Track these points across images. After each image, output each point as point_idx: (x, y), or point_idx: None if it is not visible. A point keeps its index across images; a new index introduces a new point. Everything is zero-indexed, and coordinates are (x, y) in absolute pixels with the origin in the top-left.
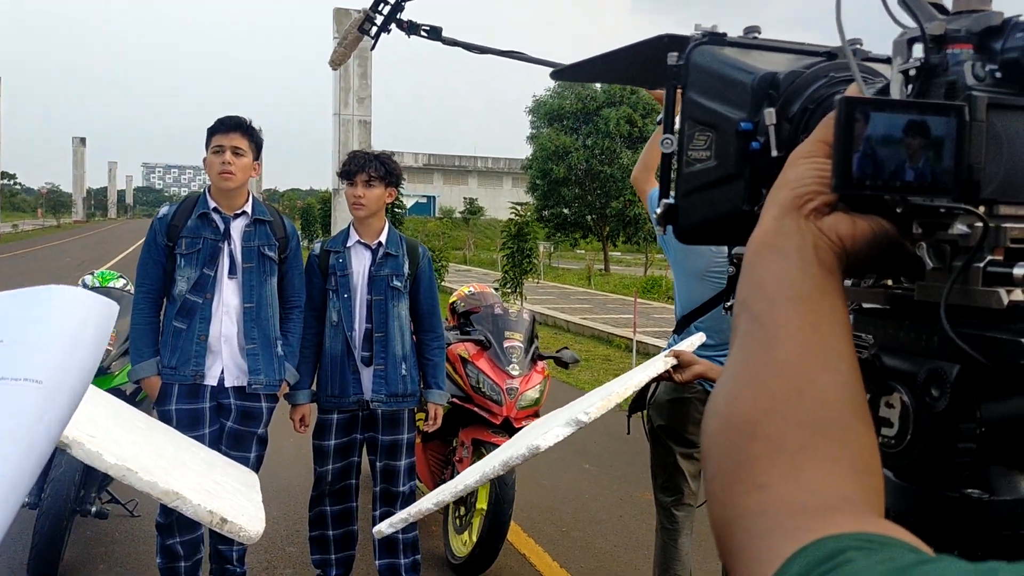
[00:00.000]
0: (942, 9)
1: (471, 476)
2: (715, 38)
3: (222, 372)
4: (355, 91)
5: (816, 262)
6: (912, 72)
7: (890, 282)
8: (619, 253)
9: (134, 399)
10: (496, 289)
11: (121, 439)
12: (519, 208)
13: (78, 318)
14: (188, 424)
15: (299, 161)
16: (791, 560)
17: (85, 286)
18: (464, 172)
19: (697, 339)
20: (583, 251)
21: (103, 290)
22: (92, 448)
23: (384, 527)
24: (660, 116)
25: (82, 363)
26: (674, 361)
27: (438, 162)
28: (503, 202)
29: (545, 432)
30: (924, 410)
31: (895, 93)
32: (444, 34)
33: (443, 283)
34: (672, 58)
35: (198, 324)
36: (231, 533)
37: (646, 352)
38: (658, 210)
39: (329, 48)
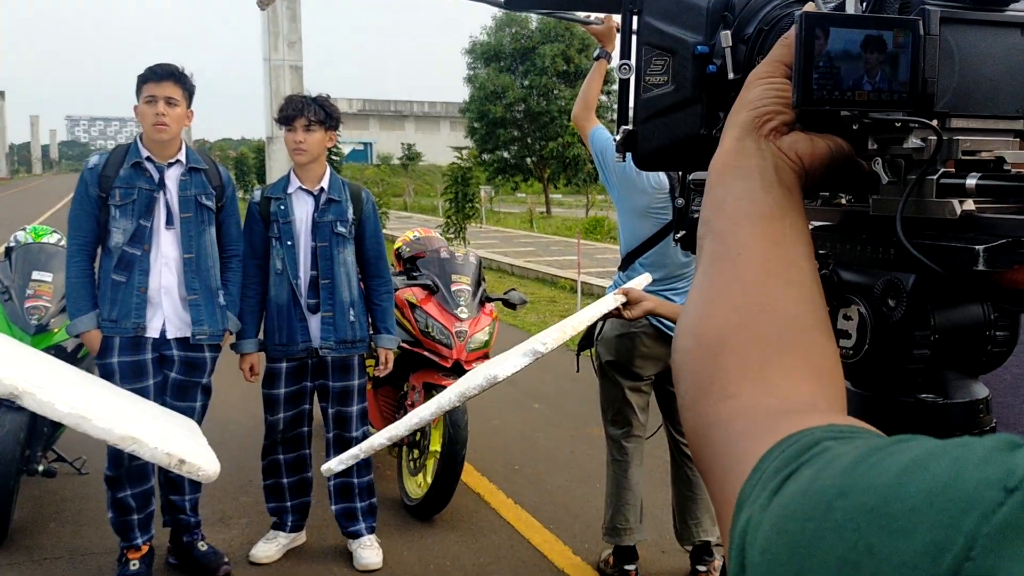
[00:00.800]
0: None
1: (426, 410)
2: None
3: (164, 324)
4: (285, 35)
5: (777, 181)
6: None
7: (844, 199)
8: (560, 196)
9: (75, 355)
10: (440, 234)
11: (68, 390)
12: (462, 153)
13: None
14: (131, 376)
15: (229, 110)
16: (766, 456)
17: (18, 242)
18: (401, 117)
19: (644, 279)
20: (524, 194)
21: (37, 245)
22: (43, 398)
23: (334, 464)
24: (596, 51)
25: None
26: (623, 299)
27: (374, 107)
28: (441, 147)
29: (503, 362)
30: (881, 320)
31: (850, 10)
32: None
33: (385, 230)
34: None
35: (137, 276)
36: (190, 473)
37: (591, 293)
38: (617, 137)
39: None
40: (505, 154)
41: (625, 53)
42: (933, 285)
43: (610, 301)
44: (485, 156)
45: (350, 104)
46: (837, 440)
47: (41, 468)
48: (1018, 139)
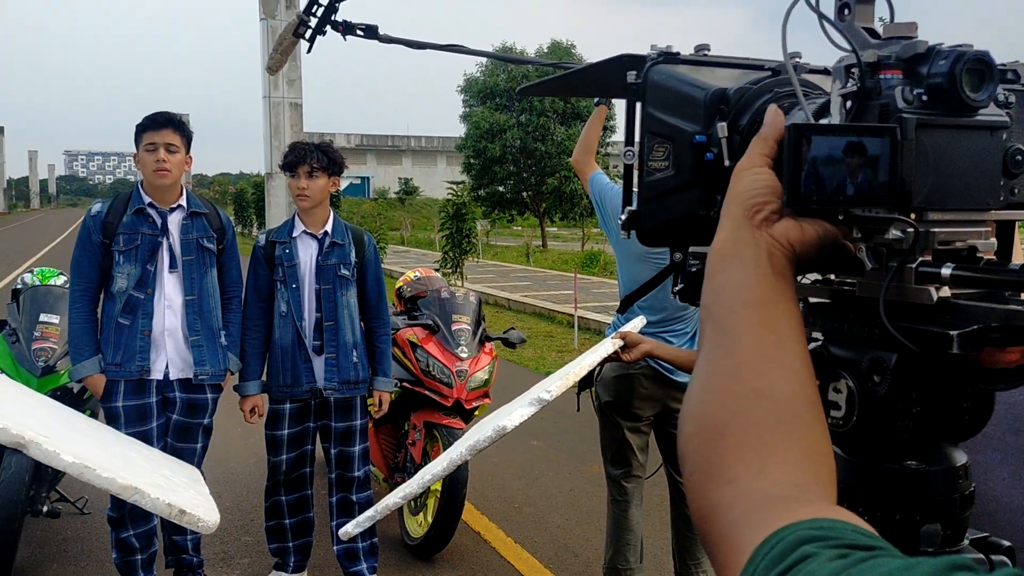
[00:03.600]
0: (874, 33)
1: (438, 465)
2: (669, 57)
3: (167, 366)
4: (284, 73)
5: (770, 268)
6: (850, 95)
7: (833, 277)
8: (556, 229)
9: (81, 397)
10: (436, 270)
11: (72, 438)
12: (455, 188)
13: None
14: (136, 419)
15: (228, 145)
16: (758, 550)
17: (25, 285)
18: (398, 152)
19: (639, 322)
20: (520, 227)
21: (44, 288)
22: (49, 448)
23: (351, 527)
24: (596, 97)
25: None
26: (621, 342)
27: (371, 142)
28: (438, 181)
29: (510, 413)
30: (867, 394)
31: (835, 114)
32: (381, 32)
33: (383, 265)
34: (631, 76)
35: (141, 319)
36: (190, 524)
37: (587, 327)
38: (622, 216)
39: (256, 30)
40: (501, 188)
41: (629, 140)
42: (914, 363)
43: (608, 345)
44: (481, 191)
45: (348, 139)
46: (817, 544)
47: (45, 509)
48: (990, 229)
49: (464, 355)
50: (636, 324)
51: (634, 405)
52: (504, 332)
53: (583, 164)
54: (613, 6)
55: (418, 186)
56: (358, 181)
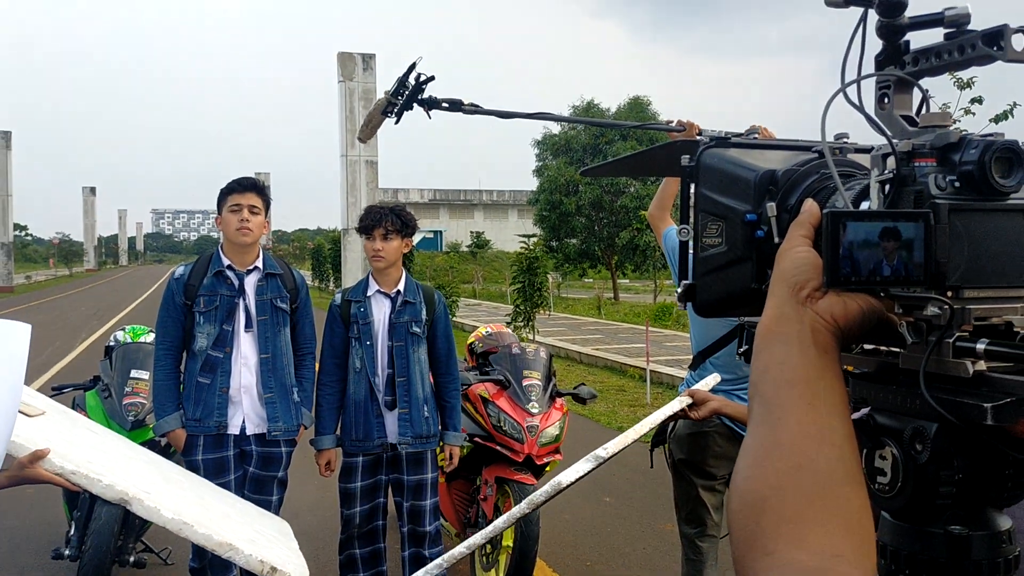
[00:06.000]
0: (911, 120)
1: (501, 521)
2: (720, 141)
3: (243, 421)
4: None
5: (813, 344)
6: (887, 181)
7: (882, 348)
8: (628, 281)
9: (167, 450)
10: (508, 323)
11: (170, 492)
12: (527, 241)
13: None
14: (214, 472)
15: (306, 201)
16: None
17: (118, 342)
18: (470, 206)
19: (712, 380)
20: (591, 279)
21: (135, 345)
22: (151, 504)
23: None
24: None
25: (5, 377)
26: (689, 400)
27: (444, 197)
28: (509, 234)
29: (567, 470)
30: (910, 461)
31: (874, 199)
32: (465, 104)
33: (454, 318)
34: (685, 160)
35: (220, 377)
36: None
37: (660, 382)
38: (679, 290)
39: (335, 91)
40: (573, 240)
41: (684, 218)
42: (954, 432)
43: (676, 403)
44: (553, 243)
45: (421, 194)
46: None
47: (132, 559)
48: None
49: (535, 411)
50: (709, 382)
51: (708, 463)
52: (575, 387)
53: (658, 220)
54: (687, 61)
55: (489, 239)
56: (431, 235)
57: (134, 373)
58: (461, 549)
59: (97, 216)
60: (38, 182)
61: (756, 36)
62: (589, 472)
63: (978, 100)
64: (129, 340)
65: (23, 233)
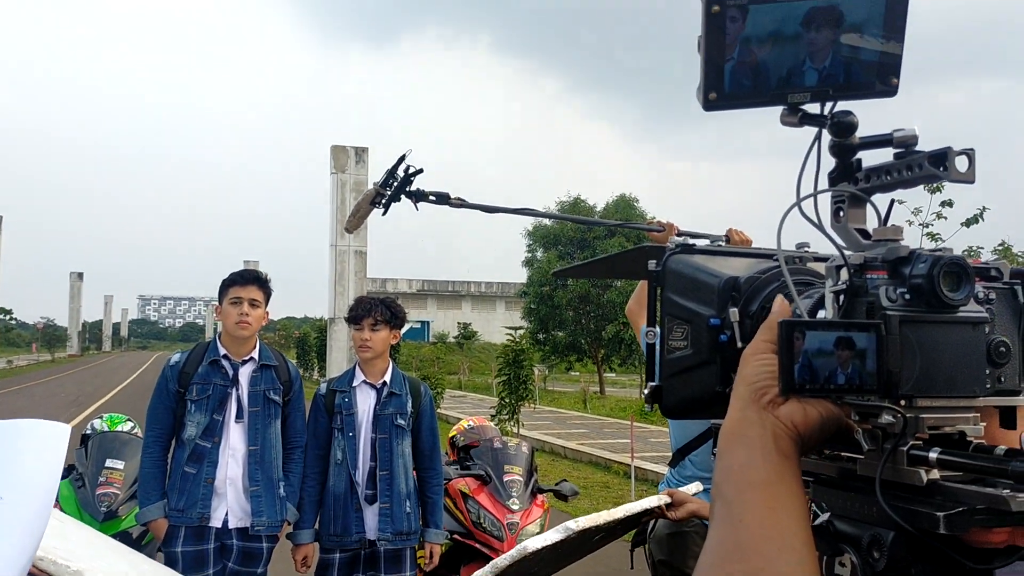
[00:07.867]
0: (865, 234)
1: None
2: (686, 248)
3: (226, 513)
4: None
5: (775, 450)
6: (841, 292)
7: (843, 454)
8: (614, 375)
9: (140, 542)
10: (493, 416)
11: None
12: (514, 333)
13: (31, 443)
14: (193, 566)
15: (293, 289)
16: None
17: (94, 430)
18: (457, 297)
19: (694, 487)
20: (577, 372)
21: (112, 434)
22: None
23: None
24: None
25: (41, 481)
26: (668, 499)
27: (432, 287)
28: (496, 326)
29: (535, 537)
30: (868, 569)
31: (828, 308)
32: (452, 197)
33: (439, 410)
34: (652, 265)
35: (206, 468)
36: None
37: (644, 478)
38: (645, 391)
39: (326, 182)
40: (560, 333)
41: (651, 321)
42: (911, 540)
43: (654, 499)
44: (540, 335)
45: (409, 284)
46: None
47: None
48: (978, 415)
49: (515, 507)
50: (690, 488)
51: (687, 564)
52: (556, 484)
53: (636, 315)
54: (673, 161)
55: (477, 331)
56: (418, 325)
57: (109, 463)
58: None
59: (83, 301)
60: (25, 266)
61: (744, 141)
62: (556, 543)
63: (948, 203)
64: (106, 428)
65: (7, 317)
